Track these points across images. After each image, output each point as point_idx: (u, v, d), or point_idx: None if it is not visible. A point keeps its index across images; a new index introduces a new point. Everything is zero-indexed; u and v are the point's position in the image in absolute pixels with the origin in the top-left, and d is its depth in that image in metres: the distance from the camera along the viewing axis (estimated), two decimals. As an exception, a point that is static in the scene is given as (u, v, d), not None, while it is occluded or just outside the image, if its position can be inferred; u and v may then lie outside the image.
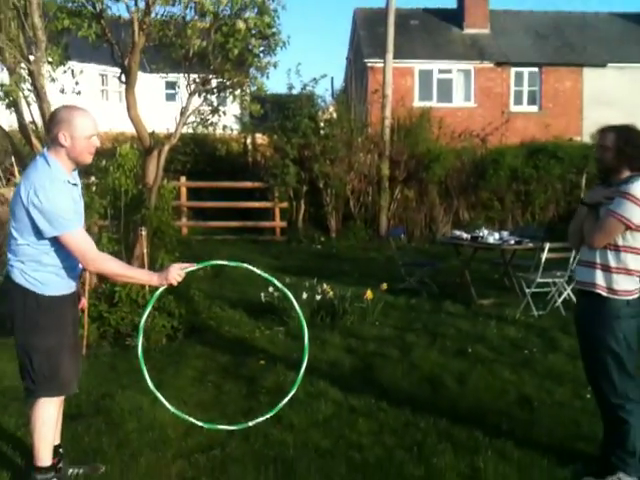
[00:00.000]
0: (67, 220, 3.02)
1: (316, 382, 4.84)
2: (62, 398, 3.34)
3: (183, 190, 13.41)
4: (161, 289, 3.32)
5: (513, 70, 21.63)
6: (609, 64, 21.58)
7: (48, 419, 3.23)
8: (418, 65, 21.53)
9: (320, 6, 61.46)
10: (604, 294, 3.43)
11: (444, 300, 7.69)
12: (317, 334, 6.13)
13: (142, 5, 5.75)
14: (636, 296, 3.48)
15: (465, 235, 8.07)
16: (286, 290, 3.48)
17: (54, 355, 3.15)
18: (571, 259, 6.86)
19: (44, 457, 3.26)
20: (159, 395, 3.30)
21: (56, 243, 3.07)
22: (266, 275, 3.38)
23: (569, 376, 4.96)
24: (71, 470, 3.51)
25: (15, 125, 6.18)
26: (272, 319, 6.63)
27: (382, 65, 14.73)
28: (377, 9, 15.76)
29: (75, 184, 3.20)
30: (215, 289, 8.00)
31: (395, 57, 15.69)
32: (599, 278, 3.44)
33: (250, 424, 3.41)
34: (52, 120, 3.13)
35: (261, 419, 3.41)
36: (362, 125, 14.15)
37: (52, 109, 5.31)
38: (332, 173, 13.07)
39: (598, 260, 3.46)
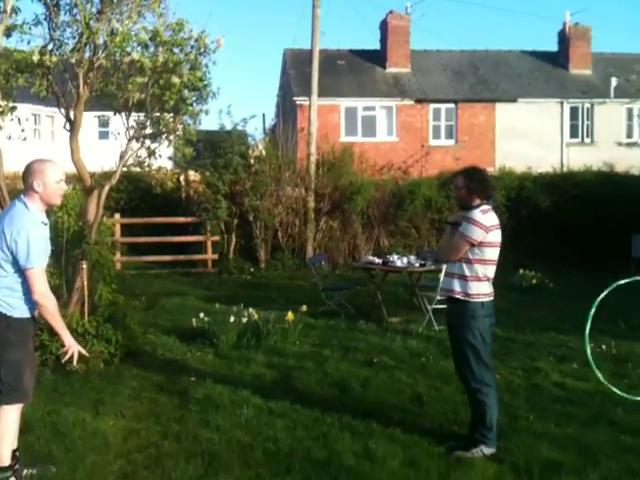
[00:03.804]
0: (37, 258, 3.68)
1: (240, 392, 5.55)
2: (22, 405, 3.89)
3: (117, 226, 13.54)
4: None
5: (431, 106, 23.10)
6: (519, 99, 23.35)
7: (10, 423, 3.79)
8: (344, 102, 22.73)
9: (253, 44, 63.09)
10: (462, 298, 4.33)
11: (359, 320, 8.50)
12: (243, 353, 6.84)
13: (87, 55, 6.25)
14: (489, 299, 4.39)
15: (377, 260, 8.96)
16: None
17: (19, 367, 3.76)
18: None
19: (4, 457, 3.81)
20: None
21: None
22: None
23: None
24: (25, 471, 4.03)
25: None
26: (202, 342, 7.23)
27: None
28: (306, 50, 16.73)
29: (46, 224, 3.87)
30: (149, 318, 8.56)
31: (323, 95, 16.57)
32: (457, 285, 4.34)
33: None
34: (27, 171, 3.78)
35: None
36: (289, 161, 14.78)
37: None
38: (261, 207, 13.65)
39: (456, 271, 4.37)
